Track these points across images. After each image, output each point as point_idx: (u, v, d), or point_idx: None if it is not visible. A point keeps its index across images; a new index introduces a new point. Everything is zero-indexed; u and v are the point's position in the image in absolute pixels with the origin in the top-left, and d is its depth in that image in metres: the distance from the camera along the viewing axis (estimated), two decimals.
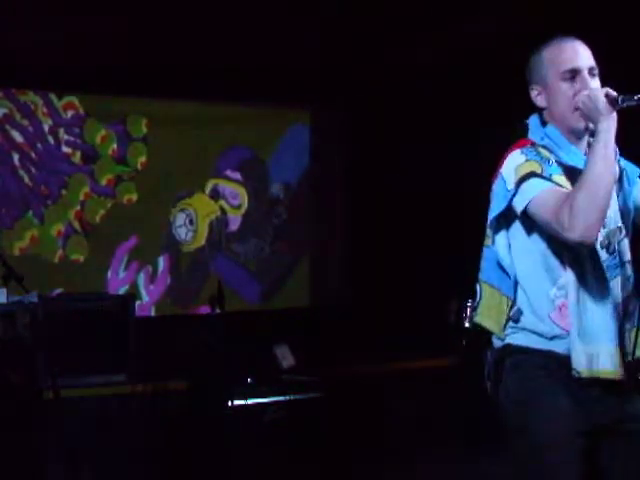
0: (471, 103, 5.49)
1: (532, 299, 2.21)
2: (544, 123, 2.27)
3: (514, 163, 2.17)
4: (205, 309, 6.01)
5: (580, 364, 2.12)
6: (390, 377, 5.40)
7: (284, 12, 5.27)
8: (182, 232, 6.69)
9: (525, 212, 2.13)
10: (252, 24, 5.41)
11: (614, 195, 2.20)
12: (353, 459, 4.43)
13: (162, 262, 6.58)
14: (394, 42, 5.76)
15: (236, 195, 6.91)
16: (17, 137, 6.15)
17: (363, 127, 6.84)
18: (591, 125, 2.16)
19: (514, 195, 2.13)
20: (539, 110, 2.30)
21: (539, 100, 2.27)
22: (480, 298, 2.30)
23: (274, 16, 5.33)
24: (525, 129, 2.31)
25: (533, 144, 2.23)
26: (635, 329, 2.21)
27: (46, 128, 6.26)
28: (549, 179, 2.12)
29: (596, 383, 2.14)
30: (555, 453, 2.12)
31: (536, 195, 2.10)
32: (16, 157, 6.15)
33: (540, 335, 2.20)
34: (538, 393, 2.17)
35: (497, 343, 2.27)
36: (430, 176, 6.15)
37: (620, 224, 2.24)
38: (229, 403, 4.72)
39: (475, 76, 5.37)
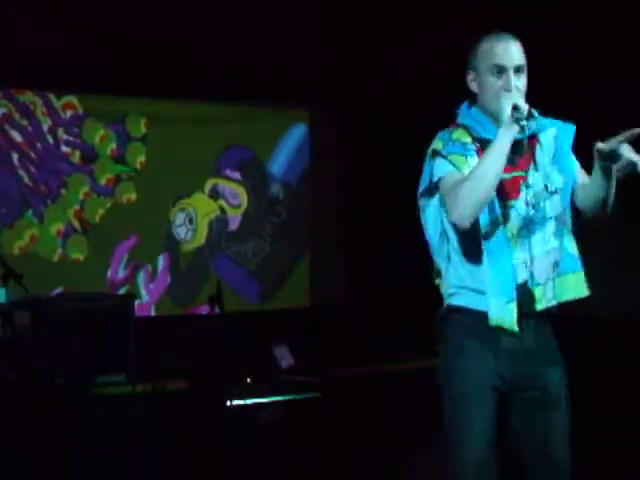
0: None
1: (457, 261, 2.48)
2: (470, 105, 2.53)
3: (431, 146, 2.46)
4: (205, 309, 6.01)
5: (493, 313, 2.38)
6: (389, 377, 5.39)
7: (284, 12, 5.27)
8: (182, 232, 6.70)
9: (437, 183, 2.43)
10: (252, 24, 5.41)
11: (542, 158, 2.47)
12: (352, 459, 4.43)
13: (162, 261, 6.59)
14: (394, 42, 5.76)
15: (236, 195, 6.91)
16: (16, 137, 6.15)
17: (363, 127, 6.84)
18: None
19: (431, 170, 2.44)
20: (471, 98, 2.54)
21: (472, 85, 2.51)
22: (435, 266, 2.59)
23: (274, 16, 5.33)
24: (455, 114, 2.58)
25: (456, 125, 2.50)
26: (557, 278, 2.48)
27: (45, 128, 6.26)
28: (445, 157, 2.41)
29: (519, 346, 2.42)
30: (468, 404, 2.41)
31: (440, 175, 2.41)
32: (15, 157, 6.15)
33: (475, 291, 2.45)
34: (460, 351, 2.46)
35: (446, 301, 2.54)
36: None
37: (545, 183, 2.47)
38: (228, 403, 4.72)
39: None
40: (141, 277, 6.51)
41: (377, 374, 5.54)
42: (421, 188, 2.51)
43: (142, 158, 6.56)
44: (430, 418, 2.60)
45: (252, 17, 5.32)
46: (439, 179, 2.41)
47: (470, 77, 2.51)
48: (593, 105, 4.96)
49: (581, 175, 2.50)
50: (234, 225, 6.88)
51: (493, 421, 2.43)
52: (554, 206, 2.49)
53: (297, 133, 7.12)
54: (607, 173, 2.34)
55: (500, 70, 2.42)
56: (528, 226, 2.46)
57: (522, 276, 2.44)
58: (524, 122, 2.32)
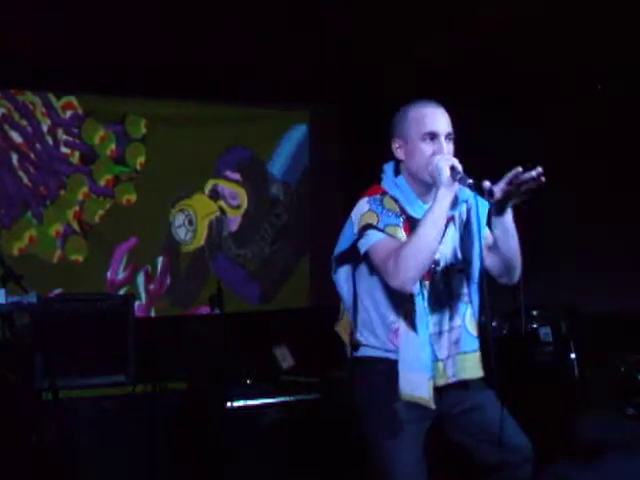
0: (470, 104, 5.49)
1: (373, 322, 2.55)
2: (397, 172, 2.57)
3: (360, 211, 2.50)
4: (205, 309, 6.00)
5: (403, 389, 2.45)
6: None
7: (284, 12, 5.26)
8: (181, 232, 6.68)
9: (366, 255, 2.46)
10: (252, 24, 5.40)
11: (454, 235, 2.55)
12: (352, 460, 4.42)
13: (161, 262, 6.57)
14: (394, 42, 5.75)
15: (236, 195, 6.90)
16: (16, 137, 6.14)
17: (363, 127, 6.82)
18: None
19: (358, 239, 2.47)
20: (395, 158, 2.58)
21: (398, 152, 2.54)
22: (341, 313, 2.70)
23: (274, 16, 5.32)
24: (380, 175, 2.62)
25: (383, 192, 2.54)
26: (457, 355, 2.55)
27: (45, 128, 6.25)
28: (383, 230, 2.43)
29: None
30: (389, 440, 2.50)
31: (372, 244, 2.42)
32: (15, 157, 6.14)
33: (379, 349, 2.54)
34: (377, 395, 2.52)
35: (350, 354, 2.64)
36: None
37: (454, 262, 2.55)
38: (228, 404, 4.70)
39: (474, 77, 5.37)
40: (141, 278, 6.50)
41: None
42: (338, 250, 2.56)
43: (142, 159, 6.55)
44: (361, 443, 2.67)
45: (252, 17, 5.32)
46: (371, 247, 2.42)
47: (396, 145, 2.54)
48: (593, 106, 4.96)
49: (489, 241, 2.57)
50: (234, 226, 6.87)
51: (422, 449, 2.52)
52: (460, 284, 2.56)
53: (297, 134, 7.11)
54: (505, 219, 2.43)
55: (432, 137, 2.47)
56: (438, 302, 2.52)
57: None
58: (463, 182, 2.34)
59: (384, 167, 2.63)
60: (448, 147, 2.48)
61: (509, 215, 2.45)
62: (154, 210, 6.50)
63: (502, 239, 2.48)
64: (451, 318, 2.56)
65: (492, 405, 2.59)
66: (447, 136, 2.49)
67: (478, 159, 2.66)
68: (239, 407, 4.73)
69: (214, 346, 4.94)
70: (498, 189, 2.37)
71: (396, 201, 2.51)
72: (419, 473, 2.51)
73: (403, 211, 2.50)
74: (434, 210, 2.37)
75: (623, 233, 4.87)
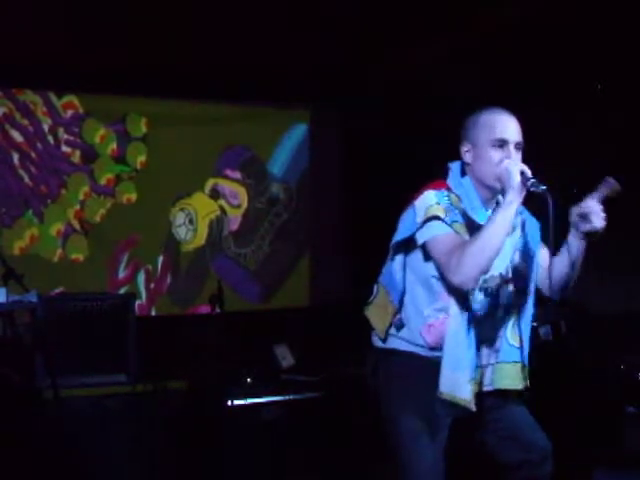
0: (468, 105, 5.49)
1: (411, 313, 2.56)
2: (463, 173, 2.57)
3: (426, 202, 2.48)
4: (205, 309, 6.01)
5: (444, 387, 2.44)
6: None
7: (284, 12, 5.26)
8: (182, 232, 6.69)
9: (424, 245, 2.46)
10: (252, 24, 5.40)
11: (509, 245, 2.52)
12: (352, 459, 4.43)
13: (162, 262, 6.58)
14: (394, 42, 5.76)
15: (236, 195, 6.90)
16: (17, 136, 6.15)
17: (363, 127, 6.83)
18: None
19: (419, 229, 2.45)
20: (462, 160, 2.58)
21: (466, 156, 2.55)
22: (374, 296, 2.68)
23: (274, 16, 5.32)
24: (446, 171, 2.62)
25: (448, 189, 2.53)
26: (496, 364, 2.57)
27: (46, 127, 6.26)
28: (450, 225, 2.43)
29: None
30: (411, 436, 2.50)
31: (435, 235, 2.42)
32: (16, 156, 6.15)
33: (411, 343, 2.55)
34: (403, 389, 2.54)
35: (377, 343, 2.64)
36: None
37: (503, 272, 2.54)
38: (228, 403, 4.72)
39: (472, 78, 5.38)
40: (141, 277, 6.50)
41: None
42: (398, 237, 2.55)
43: (142, 158, 6.56)
44: (384, 432, 2.67)
45: (252, 17, 5.32)
46: (433, 238, 2.42)
47: (465, 148, 2.55)
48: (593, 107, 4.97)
49: (546, 260, 2.57)
50: (234, 225, 6.88)
51: (443, 450, 2.52)
52: (505, 295, 2.56)
53: (297, 133, 7.12)
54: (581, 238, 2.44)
55: (502, 144, 2.47)
56: (483, 308, 2.52)
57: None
58: (535, 187, 2.34)
59: (450, 165, 2.62)
60: (517, 156, 2.49)
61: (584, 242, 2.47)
62: (154, 209, 6.51)
63: (570, 263, 2.50)
64: (494, 327, 2.57)
65: (513, 403, 2.62)
66: (516, 145, 2.49)
67: None
68: (239, 406, 4.74)
69: (214, 345, 4.95)
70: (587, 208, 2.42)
71: (460, 201, 2.51)
72: (438, 472, 2.51)
73: (464, 213, 2.51)
74: (502, 213, 2.37)
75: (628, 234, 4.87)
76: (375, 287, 2.68)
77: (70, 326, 4.97)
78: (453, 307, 2.47)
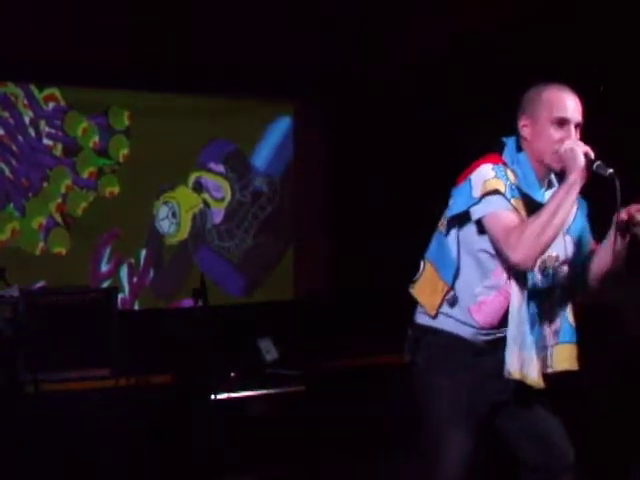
0: (454, 101, 5.51)
1: (461, 291, 2.49)
2: (519, 148, 2.49)
3: (484, 175, 2.39)
4: (188, 302, 5.98)
5: (513, 366, 2.39)
6: (373, 370, 5.40)
7: (268, 5, 5.25)
8: (165, 225, 6.66)
9: (480, 220, 2.39)
10: (235, 18, 5.39)
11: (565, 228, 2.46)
12: (336, 453, 4.44)
13: (145, 255, 6.55)
14: (380, 38, 5.76)
15: (219, 188, 6.88)
16: None
17: (347, 120, 6.83)
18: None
19: (476, 203, 2.37)
20: (517, 133, 2.49)
21: (524, 131, 2.47)
22: (420, 274, 2.59)
23: (258, 10, 5.31)
24: (501, 146, 2.52)
25: (505, 164, 2.44)
26: (555, 346, 2.52)
27: (27, 120, 6.21)
28: (509, 200, 2.36)
29: (498, 370, 2.42)
30: (450, 428, 2.43)
31: (494, 211, 2.35)
32: None
33: (461, 322, 2.49)
34: (442, 374, 2.47)
35: (422, 319, 2.56)
36: (416, 170, 6.15)
37: (557, 252, 2.48)
38: (212, 396, 4.71)
39: (458, 76, 5.38)
40: (124, 271, 6.47)
41: (362, 367, 5.55)
42: (454, 211, 2.46)
43: (125, 151, 6.52)
44: (415, 411, 2.61)
45: (235, 11, 5.30)
46: (492, 213, 2.35)
47: (522, 122, 2.48)
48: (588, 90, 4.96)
49: (591, 246, 2.55)
50: (218, 218, 6.86)
51: (475, 441, 2.45)
52: (562, 276, 2.52)
53: (281, 126, 7.10)
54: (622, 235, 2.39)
55: (563, 123, 2.41)
56: (537, 291, 2.46)
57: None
58: (602, 170, 2.29)
59: (505, 140, 2.54)
60: (576, 136, 2.42)
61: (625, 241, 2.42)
62: (137, 202, 6.48)
63: (606, 261, 2.45)
64: (553, 307, 2.52)
65: (546, 404, 2.58)
66: (577, 125, 2.43)
67: None
68: (223, 400, 4.74)
69: (198, 339, 4.93)
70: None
71: (516, 177, 2.44)
72: (466, 464, 2.45)
73: (519, 189, 2.43)
74: (566, 192, 2.30)
75: None
76: (421, 264, 2.60)
77: (52, 320, 4.93)
78: (513, 285, 2.41)
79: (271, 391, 4.91)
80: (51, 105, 6.29)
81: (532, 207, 2.40)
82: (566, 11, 4.74)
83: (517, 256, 2.28)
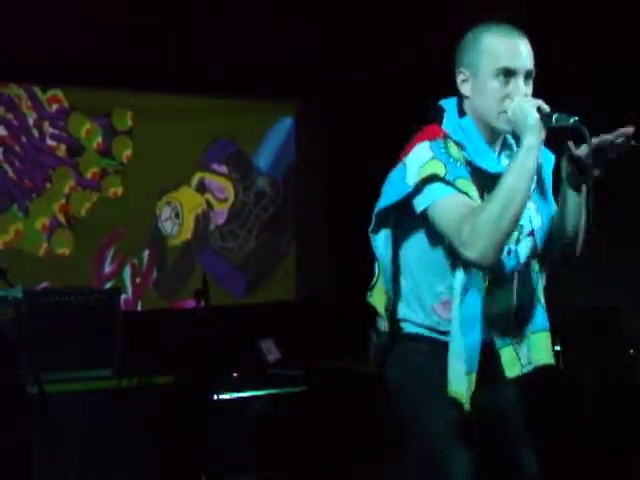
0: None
1: (418, 292, 2.13)
2: (461, 112, 2.09)
3: (420, 158, 2.00)
4: (190, 303, 5.99)
5: (450, 380, 2.01)
6: (376, 371, 5.40)
7: (270, 5, 5.25)
8: (168, 226, 6.68)
9: (423, 213, 1.99)
10: (236, 17, 5.39)
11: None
12: (338, 453, 4.44)
13: (148, 256, 6.56)
14: (381, 38, 5.76)
15: (222, 188, 6.89)
16: (1, 131, 6.10)
17: (349, 121, 6.83)
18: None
19: (414, 193, 1.99)
20: (459, 94, 2.11)
21: (464, 87, 2.09)
22: (376, 279, 2.24)
23: (259, 9, 5.31)
24: (440, 113, 2.12)
25: (445, 136, 2.05)
26: (531, 336, 2.12)
27: (30, 121, 6.22)
28: (452, 184, 1.96)
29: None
30: (442, 440, 2.07)
31: (438, 200, 1.95)
32: (0, 151, 6.11)
33: (421, 325, 2.14)
34: (423, 382, 2.11)
35: (385, 326, 2.21)
36: None
37: (522, 223, 2.06)
38: (214, 397, 4.72)
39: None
40: (127, 271, 6.49)
41: (363, 368, 5.55)
42: (383, 203, 2.09)
43: (128, 152, 6.53)
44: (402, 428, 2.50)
45: (236, 11, 5.31)
46: (436, 204, 1.95)
47: (461, 77, 2.09)
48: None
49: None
50: (221, 219, 6.87)
51: (474, 449, 2.09)
52: (528, 250, 2.11)
53: (283, 127, 7.11)
54: (578, 190, 2.02)
55: (508, 74, 2.00)
56: (498, 274, 2.05)
57: (489, 335, 2.07)
58: (564, 122, 1.88)
59: (442, 104, 2.13)
60: (527, 89, 2.01)
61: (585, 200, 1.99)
62: (140, 203, 6.49)
63: (573, 216, 2.05)
64: (518, 291, 2.09)
65: (519, 413, 2.20)
66: (527, 75, 2.01)
67: None
68: (225, 400, 4.75)
69: (200, 339, 4.95)
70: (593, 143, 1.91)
71: (462, 148, 2.02)
72: (472, 474, 2.05)
73: (469, 162, 2.02)
74: (523, 161, 1.88)
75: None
76: (376, 267, 2.23)
77: (55, 321, 4.95)
78: (458, 276, 2.00)
79: (273, 391, 4.92)
80: (54, 106, 6.31)
81: (488, 182, 2.00)
82: (566, 12, 4.74)
83: (473, 252, 1.87)
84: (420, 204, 1.99)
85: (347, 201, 6.92)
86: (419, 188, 1.98)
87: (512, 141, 2.14)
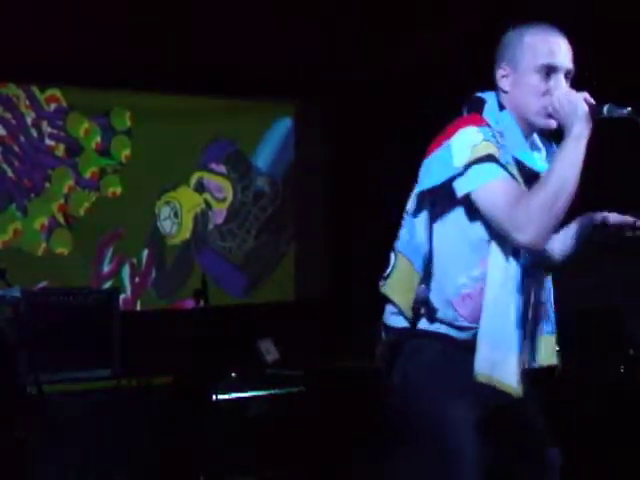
0: (454, 102, 5.49)
1: (439, 281, 2.10)
2: (501, 106, 2.10)
3: (469, 140, 1.96)
4: (189, 303, 5.99)
5: (481, 368, 2.01)
6: (374, 371, 5.41)
7: (269, 6, 5.25)
8: (167, 225, 6.67)
9: (467, 196, 1.97)
10: (236, 18, 5.39)
11: None
12: (337, 453, 4.44)
13: (146, 255, 6.56)
14: (380, 38, 5.75)
15: (221, 188, 6.89)
16: None
17: (348, 121, 6.83)
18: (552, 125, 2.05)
19: (459, 175, 1.96)
20: (497, 88, 2.13)
21: (503, 82, 2.10)
22: (392, 269, 2.18)
23: (258, 10, 5.31)
24: (479, 104, 2.12)
25: (488, 125, 2.04)
26: (545, 337, 2.16)
27: (29, 121, 6.22)
28: (505, 168, 1.96)
29: None
30: (455, 438, 2.04)
31: (489, 182, 1.93)
32: None
33: (444, 321, 2.11)
34: (437, 380, 2.09)
35: (397, 322, 2.17)
36: (417, 170, 6.15)
37: None
38: (213, 397, 4.71)
39: (457, 76, 5.38)
40: (126, 271, 6.48)
41: (362, 368, 5.55)
42: (426, 185, 2.06)
43: (127, 151, 6.53)
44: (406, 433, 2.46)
45: (236, 11, 5.30)
46: (487, 185, 1.93)
47: (501, 72, 2.11)
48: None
49: None
50: (219, 219, 6.87)
51: (481, 446, 2.07)
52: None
53: (282, 127, 7.10)
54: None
55: (550, 71, 2.03)
56: (526, 271, 2.07)
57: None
58: (617, 112, 1.91)
59: (482, 96, 2.13)
60: (567, 87, 2.04)
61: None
62: (139, 203, 6.49)
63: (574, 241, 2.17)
64: (538, 291, 2.14)
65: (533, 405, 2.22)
66: (567, 73, 2.05)
67: None
68: (224, 400, 4.74)
69: (199, 339, 4.94)
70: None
71: (502, 137, 2.02)
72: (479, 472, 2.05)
73: (512, 154, 2.03)
74: (569, 150, 1.89)
75: None
76: (392, 255, 2.19)
77: (54, 321, 4.94)
78: (491, 269, 2.00)
79: (272, 392, 4.91)
80: (53, 106, 6.30)
81: (525, 175, 2.02)
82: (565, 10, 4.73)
83: (527, 236, 1.87)
84: (469, 185, 1.96)
85: (346, 201, 6.92)
86: (469, 168, 1.95)
87: (540, 145, 2.17)
